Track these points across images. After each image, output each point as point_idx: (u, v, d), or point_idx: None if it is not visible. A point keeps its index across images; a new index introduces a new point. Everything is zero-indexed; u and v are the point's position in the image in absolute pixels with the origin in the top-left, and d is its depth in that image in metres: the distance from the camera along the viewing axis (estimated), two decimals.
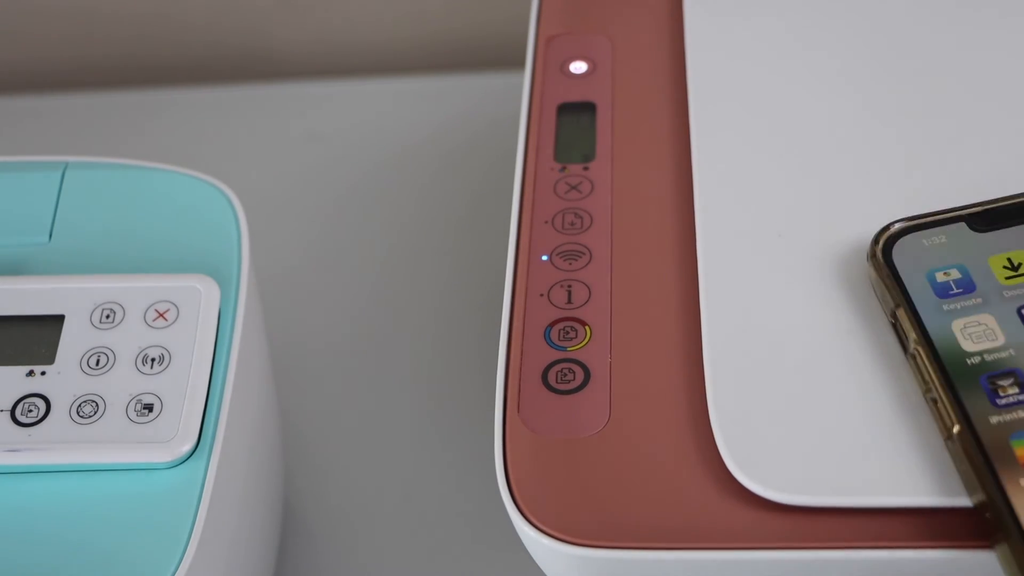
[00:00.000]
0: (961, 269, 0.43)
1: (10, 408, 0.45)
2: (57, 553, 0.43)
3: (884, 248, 0.44)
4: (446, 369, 0.63)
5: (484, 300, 0.64)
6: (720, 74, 0.52)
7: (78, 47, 0.77)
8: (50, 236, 0.49)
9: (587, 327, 0.46)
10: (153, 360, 0.46)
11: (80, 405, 0.45)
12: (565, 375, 0.44)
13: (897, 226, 0.44)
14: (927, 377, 0.41)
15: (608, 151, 0.51)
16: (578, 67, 0.54)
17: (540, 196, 0.49)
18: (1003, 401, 0.40)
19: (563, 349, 0.45)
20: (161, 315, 0.47)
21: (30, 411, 0.45)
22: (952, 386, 0.40)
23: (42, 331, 0.46)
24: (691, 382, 0.44)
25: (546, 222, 0.49)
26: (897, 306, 0.43)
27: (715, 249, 0.46)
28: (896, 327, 0.43)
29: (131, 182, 0.51)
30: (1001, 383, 0.40)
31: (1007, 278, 0.43)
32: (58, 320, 0.46)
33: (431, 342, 0.64)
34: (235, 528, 0.47)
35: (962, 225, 0.44)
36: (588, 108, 0.52)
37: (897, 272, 0.43)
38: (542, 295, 0.46)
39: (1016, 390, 0.40)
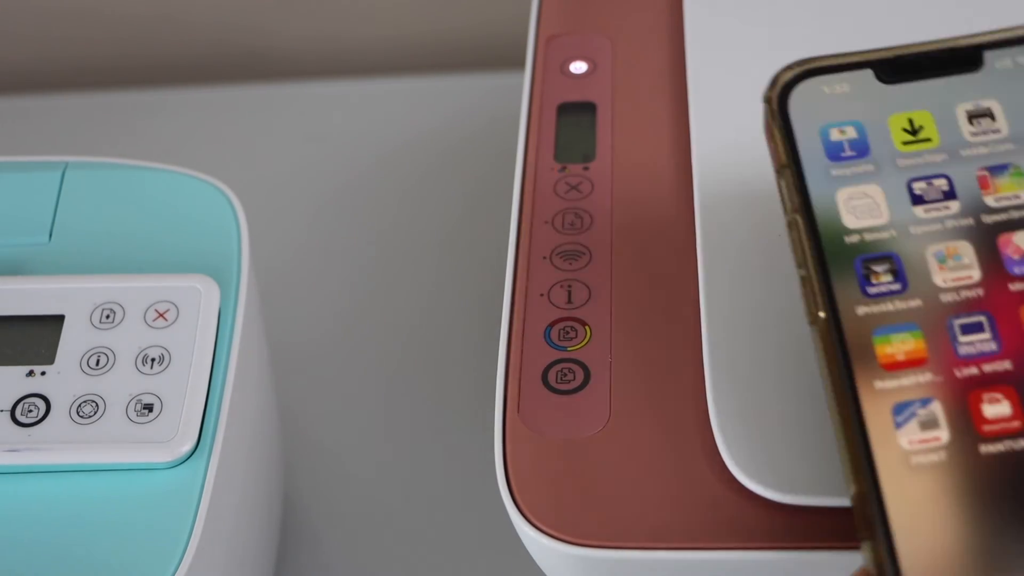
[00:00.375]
0: (858, 127, 0.40)
1: (10, 408, 0.45)
2: (57, 553, 0.43)
3: (781, 94, 0.40)
4: (446, 369, 0.63)
5: (484, 300, 0.64)
6: (720, 73, 0.52)
7: (78, 47, 0.77)
8: (50, 236, 0.49)
9: (587, 327, 0.46)
10: (153, 360, 0.46)
11: (80, 405, 0.45)
12: (565, 375, 0.44)
13: (797, 69, 0.40)
14: (800, 251, 0.38)
15: (608, 151, 0.51)
16: (578, 67, 0.54)
17: (540, 196, 0.49)
18: (874, 290, 0.38)
19: (563, 349, 0.45)
20: (161, 315, 0.47)
21: (30, 411, 0.45)
22: (824, 266, 0.38)
23: (42, 331, 0.46)
24: (691, 382, 0.44)
25: (546, 222, 0.49)
26: (783, 166, 0.39)
27: (715, 248, 0.46)
28: (779, 187, 0.40)
29: (131, 182, 0.51)
30: (875, 268, 0.38)
31: (904, 143, 0.40)
32: (58, 320, 0.46)
33: (431, 342, 0.64)
34: (235, 528, 0.47)
35: (868, 73, 0.40)
36: (588, 108, 0.52)
37: (790, 125, 0.40)
38: (542, 295, 0.46)
39: (889, 278, 0.38)
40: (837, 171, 0.39)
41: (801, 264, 0.38)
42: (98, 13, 0.76)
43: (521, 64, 0.58)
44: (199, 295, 0.47)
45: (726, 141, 0.49)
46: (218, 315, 0.47)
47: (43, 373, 0.45)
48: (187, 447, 0.44)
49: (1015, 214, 0.39)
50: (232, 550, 0.47)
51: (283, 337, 0.63)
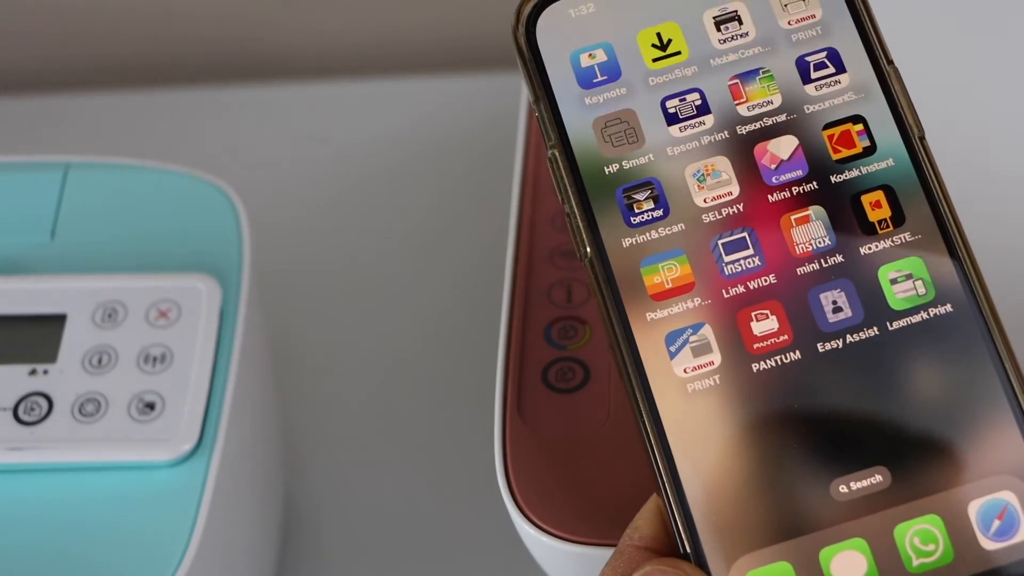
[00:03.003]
0: (607, 49, 0.38)
1: (12, 407, 0.45)
2: (59, 550, 0.43)
3: (528, 22, 0.39)
4: (446, 369, 0.63)
5: (484, 299, 0.64)
6: None
7: (80, 47, 0.77)
8: (52, 235, 0.49)
9: (587, 326, 0.46)
10: (155, 359, 0.46)
11: (82, 404, 0.45)
12: (565, 373, 0.45)
13: None
14: (562, 187, 0.37)
15: None
16: None
17: (540, 195, 0.50)
18: (637, 219, 0.37)
19: (563, 348, 0.45)
20: (163, 314, 0.47)
21: (32, 410, 0.45)
22: (587, 200, 0.37)
23: (44, 330, 0.46)
24: None
25: (546, 221, 0.49)
26: (537, 99, 0.38)
27: None
28: (539, 122, 0.38)
29: (133, 182, 0.51)
30: (637, 197, 0.37)
31: (654, 60, 0.38)
32: (60, 319, 0.47)
33: (432, 340, 0.64)
34: (236, 526, 0.47)
35: None
36: None
37: (539, 54, 0.38)
38: (542, 294, 0.47)
39: (651, 205, 0.37)
40: (591, 99, 0.38)
41: (564, 200, 0.37)
42: (99, 13, 0.76)
43: None
44: (201, 294, 0.47)
45: None
46: (220, 314, 0.47)
47: (45, 372, 0.46)
48: (188, 446, 0.44)
49: (768, 120, 0.38)
50: (233, 548, 0.47)
51: (284, 336, 0.63)
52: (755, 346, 0.36)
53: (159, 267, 0.48)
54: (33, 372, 0.46)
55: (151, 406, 0.45)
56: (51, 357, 0.46)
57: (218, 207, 0.50)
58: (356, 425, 0.62)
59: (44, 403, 0.45)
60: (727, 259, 0.37)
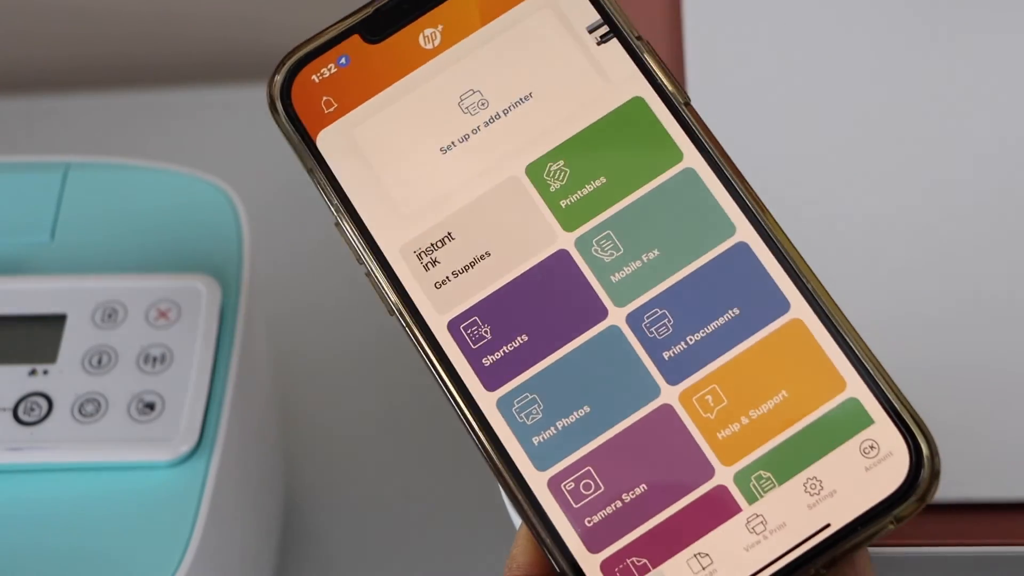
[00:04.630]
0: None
1: (12, 407, 0.45)
2: (59, 550, 0.43)
3: (283, 92, 0.36)
4: None
5: None
6: (719, 74, 0.52)
7: (79, 47, 0.77)
8: (52, 236, 0.49)
9: None
10: (155, 359, 0.46)
11: (82, 404, 0.45)
12: None
13: (285, 68, 0.36)
14: (354, 249, 0.37)
15: None
16: None
17: None
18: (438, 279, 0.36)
19: None
20: (163, 314, 0.47)
21: (32, 410, 0.45)
22: (383, 259, 0.36)
23: (44, 330, 0.46)
24: None
25: None
26: (310, 169, 0.36)
27: None
28: (319, 192, 0.37)
29: (133, 182, 0.51)
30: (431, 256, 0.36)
31: None
32: (60, 319, 0.47)
33: None
34: (236, 526, 0.47)
35: (356, 40, 0.37)
36: None
37: (302, 125, 0.36)
38: None
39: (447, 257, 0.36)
40: None
41: (360, 261, 0.37)
42: (99, 13, 0.76)
43: None
44: (201, 295, 0.47)
45: (725, 141, 0.49)
46: (220, 314, 0.47)
47: (45, 372, 0.46)
48: (188, 446, 0.44)
49: None
50: (233, 548, 0.47)
51: (284, 336, 0.63)
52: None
53: (159, 267, 0.48)
54: (33, 372, 0.46)
55: (151, 406, 0.45)
56: (51, 357, 0.46)
57: (218, 207, 0.50)
58: (356, 425, 0.62)
59: (44, 403, 0.45)
60: None
